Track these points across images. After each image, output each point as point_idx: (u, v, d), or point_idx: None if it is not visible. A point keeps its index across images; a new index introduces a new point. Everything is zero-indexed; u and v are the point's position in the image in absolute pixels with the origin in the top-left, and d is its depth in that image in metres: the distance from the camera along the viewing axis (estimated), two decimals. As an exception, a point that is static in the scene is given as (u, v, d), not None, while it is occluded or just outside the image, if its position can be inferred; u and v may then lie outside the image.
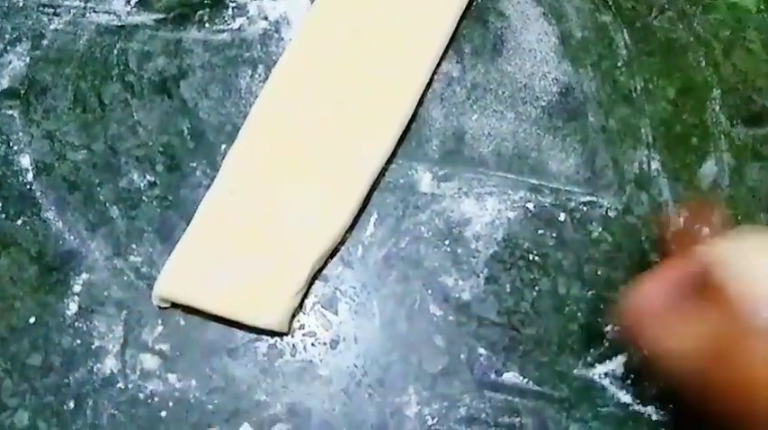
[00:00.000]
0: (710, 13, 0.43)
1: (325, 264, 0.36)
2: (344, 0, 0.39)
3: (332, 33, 0.38)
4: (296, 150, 0.36)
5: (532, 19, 0.42)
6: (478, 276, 0.36)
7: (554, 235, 0.37)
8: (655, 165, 0.39)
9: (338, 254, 0.36)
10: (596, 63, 0.41)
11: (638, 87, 0.41)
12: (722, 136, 0.40)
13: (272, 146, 0.36)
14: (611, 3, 0.43)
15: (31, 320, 0.34)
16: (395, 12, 0.39)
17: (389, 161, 0.38)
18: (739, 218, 0.38)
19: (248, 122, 0.37)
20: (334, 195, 0.36)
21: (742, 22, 0.43)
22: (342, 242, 0.36)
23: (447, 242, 0.37)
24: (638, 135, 0.40)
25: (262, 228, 0.35)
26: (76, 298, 0.35)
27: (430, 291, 0.36)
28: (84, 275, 0.35)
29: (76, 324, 0.34)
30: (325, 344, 0.35)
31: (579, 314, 0.36)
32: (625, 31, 0.42)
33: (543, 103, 0.40)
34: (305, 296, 0.35)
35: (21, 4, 0.41)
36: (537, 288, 0.36)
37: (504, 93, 0.40)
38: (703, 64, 0.41)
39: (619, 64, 0.41)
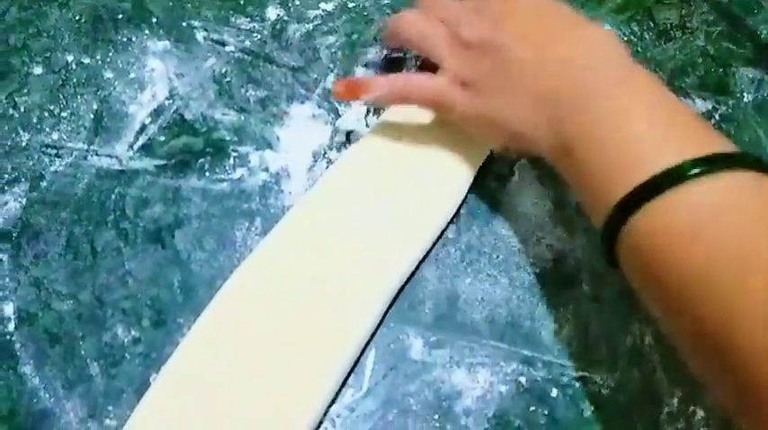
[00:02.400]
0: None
1: (310, 437, 0.34)
2: (358, 165, 0.40)
3: (337, 200, 0.39)
4: (280, 310, 0.36)
5: (528, 182, 0.43)
6: (467, 456, 0.35)
7: (546, 412, 0.36)
8: (648, 339, 0.39)
9: (322, 425, 0.35)
10: (590, 229, 0.42)
11: (632, 256, 0.41)
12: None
13: (255, 304, 0.36)
14: (605, 168, 0.44)
15: (-6, 488, 0.32)
16: (408, 176, 0.40)
17: (380, 323, 0.37)
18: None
19: (233, 278, 0.36)
20: (320, 363, 0.35)
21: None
22: (326, 413, 0.35)
23: (436, 417, 0.36)
24: (631, 307, 0.39)
25: (238, 398, 0.33)
26: (44, 464, 0.33)
27: (416, 472, 0.34)
28: (55, 439, 0.33)
29: (41, 494, 0.32)
30: None
31: (571, 503, 0.34)
32: (619, 197, 0.43)
33: (537, 270, 0.40)
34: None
35: (24, 144, 0.41)
36: (527, 472, 0.35)
37: (498, 257, 0.40)
38: (695, 235, 0.42)
39: (612, 231, 0.42)
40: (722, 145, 0.30)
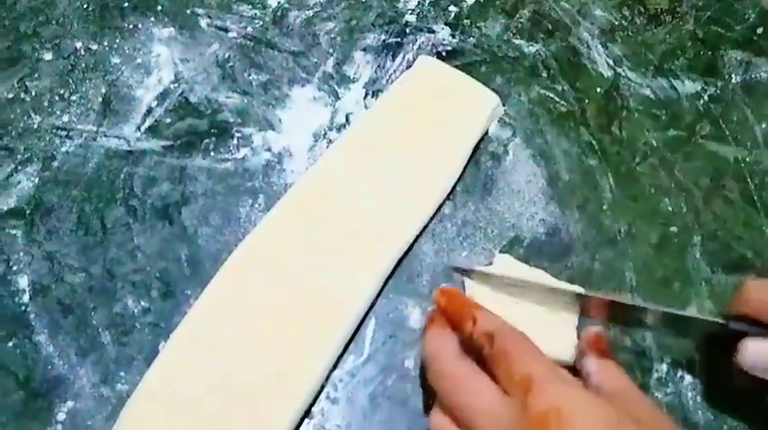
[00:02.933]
0: (691, 161, 0.45)
1: (314, 401, 0.36)
2: (358, 143, 0.41)
3: (337, 177, 0.40)
4: (283, 281, 0.37)
5: (522, 160, 0.44)
6: (463, 419, 0.36)
7: (539, 378, 0.38)
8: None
9: (325, 390, 0.36)
10: (582, 205, 0.43)
11: (622, 230, 0.42)
12: (703, 282, 0.41)
13: (260, 275, 0.37)
14: (597, 147, 0.45)
15: (11, 449, 0.34)
16: (406, 154, 0.41)
17: (379, 294, 0.39)
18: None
19: (238, 251, 0.38)
20: (322, 329, 0.36)
21: (721, 170, 0.45)
22: (327, 377, 0.36)
23: (433, 382, 0.37)
24: (621, 278, 0.41)
25: (242, 362, 0.35)
26: (60, 426, 0.34)
27: (414, 434, 0.36)
28: (70, 403, 0.35)
29: (57, 455, 0.34)
30: (306, 484, 0.34)
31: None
32: (610, 175, 0.44)
33: (530, 243, 0.41)
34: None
35: (35, 126, 0.42)
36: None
37: (492, 231, 0.42)
38: (684, 210, 0.43)
39: (604, 207, 0.43)
40: None
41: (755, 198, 0.44)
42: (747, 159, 0.45)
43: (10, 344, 0.36)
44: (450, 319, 0.33)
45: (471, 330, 0.32)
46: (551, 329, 0.37)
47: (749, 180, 0.45)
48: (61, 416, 0.35)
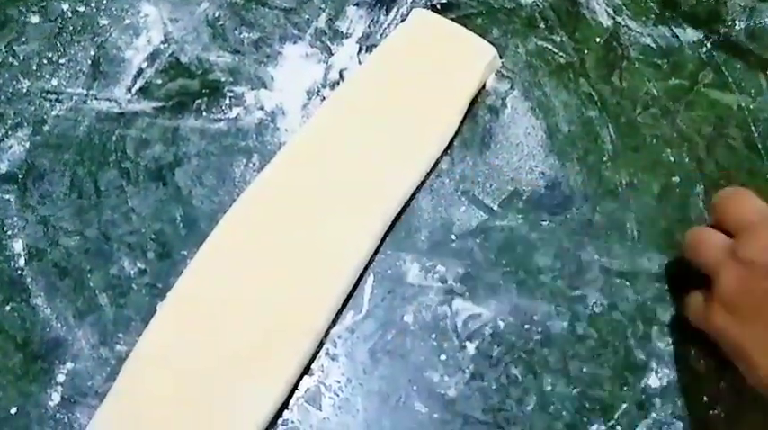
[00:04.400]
0: (693, 110, 0.44)
1: (313, 358, 0.36)
2: (352, 98, 0.41)
3: (332, 133, 0.39)
4: (279, 239, 0.37)
5: (521, 113, 0.43)
6: (464, 372, 0.36)
7: (539, 329, 0.37)
8: (640, 261, 0.40)
9: (324, 346, 0.36)
10: (582, 157, 0.42)
11: (624, 182, 0.42)
12: (706, 232, 0.40)
13: (256, 233, 0.37)
14: (596, 98, 0.44)
15: (13, 411, 0.34)
16: (402, 109, 0.40)
17: (377, 251, 0.38)
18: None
19: (233, 210, 0.37)
20: (320, 286, 0.36)
21: (724, 119, 0.44)
22: (326, 334, 0.36)
23: (434, 336, 0.37)
24: (623, 230, 0.40)
25: (241, 319, 0.35)
26: (60, 388, 0.34)
27: (415, 387, 0.36)
28: (69, 364, 0.35)
29: (58, 415, 0.34)
30: (308, 439, 0.34)
31: (564, 413, 0.36)
32: (610, 126, 0.43)
33: (530, 197, 0.41)
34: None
35: (24, 90, 0.42)
36: (523, 385, 0.36)
37: (491, 186, 0.41)
38: (687, 160, 0.43)
39: (604, 158, 0.42)
40: None
41: (759, 146, 0.43)
42: (751, 107, 0.44)
43: (8, 308, 0.36)
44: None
45: None
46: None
47: (753, 128, 0.44)
48: (61, 378, 0.35)
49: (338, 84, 0.43)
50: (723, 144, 0.43)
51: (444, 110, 0.41)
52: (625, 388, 0.36)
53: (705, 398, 0.36)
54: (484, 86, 0.43)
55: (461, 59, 0.42)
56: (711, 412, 0.36)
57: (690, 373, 0.37)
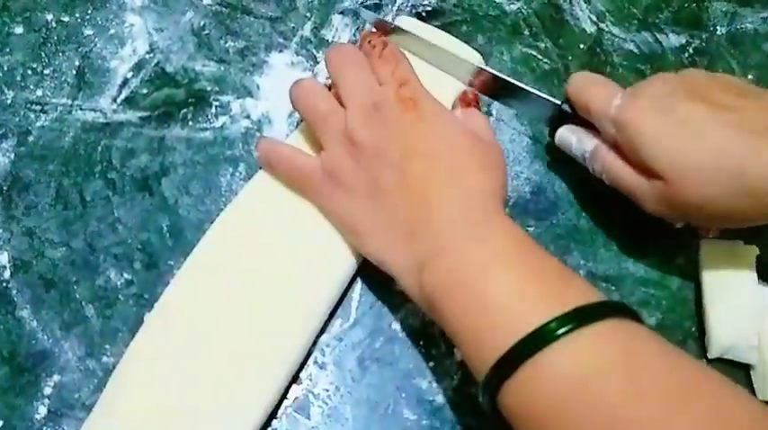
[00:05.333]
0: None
1: (301, 367, 0.36)
2: None
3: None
4: (267, 247, 0.37)
5: (506, 119, 0.43)
6: (453, 378, 0.36)
7: (527, 335, 0.38)
8: (625, 265, 0.40)
9: (312, 355, 0.36)
10: (568, 163, 0.43)
11: (609, 186, 0.42)
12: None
13: (244, 242, 0.37)
14: (581, 104, 0.44)
15: (-1, 424, 0.34)
16: None
17: (365, 259, 0.38)
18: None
19: (220, 220, 0.37)
20: (309, 294, 0.36)
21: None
22: (315, 342, 0.36)
23: (421, 342, 0.37)
24: (608, 235, 0.41)
25: (229, 327, 0.35)
26: (46, 400, 0.34)
27: (404, 395, 0.36)
28: (56, 377, 0.35)
29: (45, 428, 0.34)
30: (296, 448, 0.34)
31: (553, 417, 0.36)
32: (595, 131, 0.44)
33: (516, 202, 0.41)
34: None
35: (9, 101, 0.42)
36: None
37: (478, 192, 0.41)
38: (670, 164, 0.43)
39: (589, 164, 0.43)
40: (582, 294, 0.29)
41: (742, 149, 0.44)
42: (733, 111, 0.45)
43: (-7, 320, 0.36)
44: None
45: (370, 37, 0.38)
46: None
47: (735, 132, 0.44)
48: (47, 390, 0.35)
49: (324, 92, 0.43)
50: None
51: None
52: (612, 392, 0.37)
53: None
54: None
55: (446, 66, 0.42)
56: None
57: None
